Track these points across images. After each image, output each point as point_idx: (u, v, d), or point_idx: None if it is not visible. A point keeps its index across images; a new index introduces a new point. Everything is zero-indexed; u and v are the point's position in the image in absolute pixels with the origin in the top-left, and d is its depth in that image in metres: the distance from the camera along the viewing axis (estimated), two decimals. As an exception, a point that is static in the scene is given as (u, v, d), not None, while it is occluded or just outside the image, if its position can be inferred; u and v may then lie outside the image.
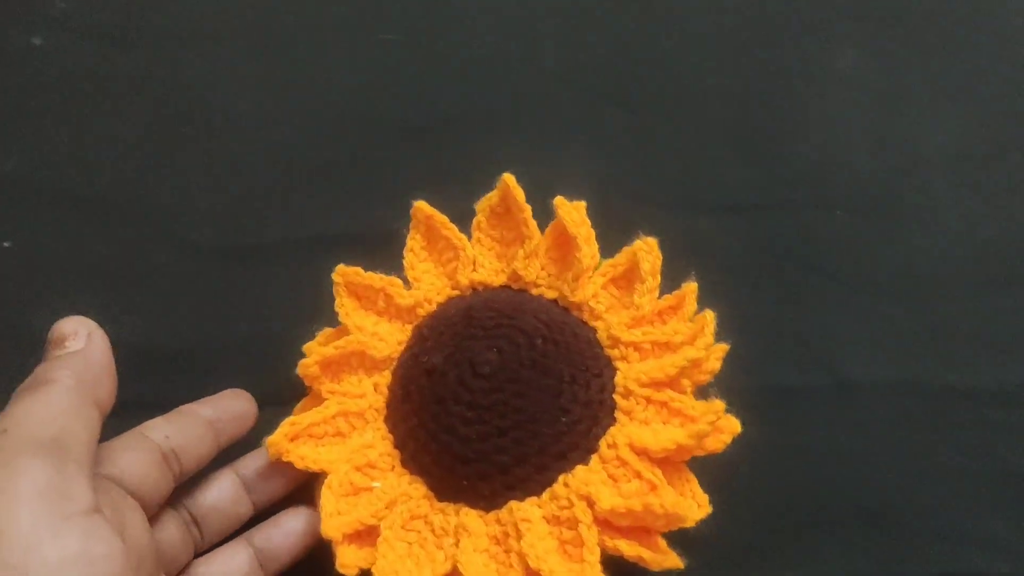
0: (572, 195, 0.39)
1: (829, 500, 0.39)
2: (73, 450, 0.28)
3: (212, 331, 0.42)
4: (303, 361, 0.36)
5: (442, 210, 0.40)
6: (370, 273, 0.39)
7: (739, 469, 0.37)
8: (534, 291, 0.38)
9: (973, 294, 0.43)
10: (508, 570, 0.33)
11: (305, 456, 0.35)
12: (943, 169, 0.45)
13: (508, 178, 0.38)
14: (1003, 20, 0.48)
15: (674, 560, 0.32)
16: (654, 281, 0.37)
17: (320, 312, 0.39)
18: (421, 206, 0.39)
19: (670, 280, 0.38)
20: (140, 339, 0.42)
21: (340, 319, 0.38)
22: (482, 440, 0.34)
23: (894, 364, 0.42)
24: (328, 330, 0.39)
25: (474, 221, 0.40)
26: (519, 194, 0.38)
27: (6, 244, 0.44)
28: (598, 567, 0.32)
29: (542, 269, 0.38)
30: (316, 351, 0.37)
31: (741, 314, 0.38)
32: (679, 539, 0.33)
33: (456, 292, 0.39)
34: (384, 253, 0.40)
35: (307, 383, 0.37)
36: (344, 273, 0.38)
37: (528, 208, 0.38)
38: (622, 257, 0.38)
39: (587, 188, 0.40)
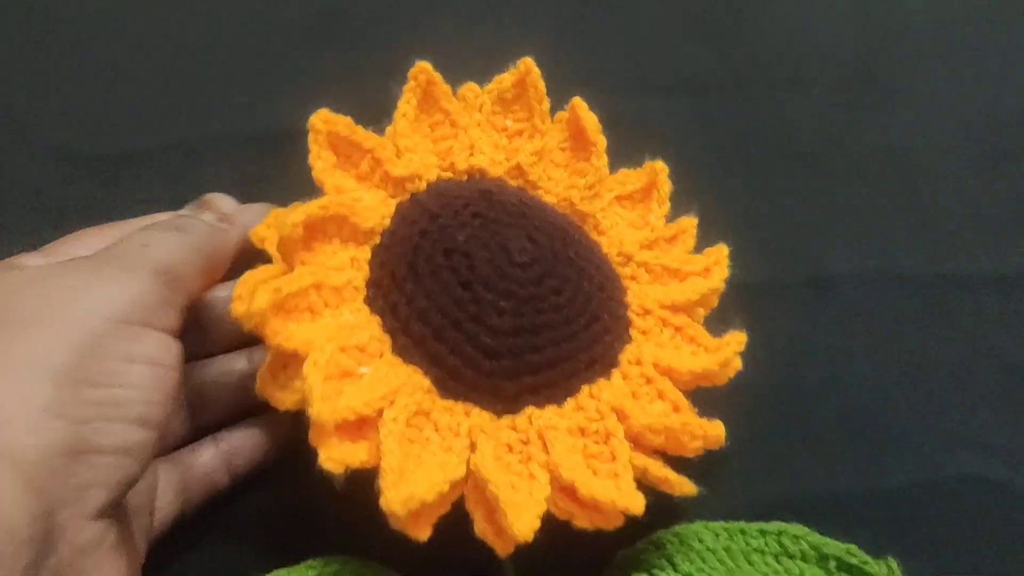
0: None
1: (808, 405, 0.35)
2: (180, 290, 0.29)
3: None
4: (289, 220, 0.29)
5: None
6: (360, 128, 0.32)
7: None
8: (532, 191, 0.35)
9: (965, 173, 0.38)
10: (529, 482, 0.28)
11: (279, 331, 0.28)
12: (929, 34, 0.40)
13: (529, 62, 0.34)
14: None
15: (692, 486, 0.30)
16: (667, 205, 0.35)
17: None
18: (424, 68, 0.34)
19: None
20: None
21: (315, 174, 0.31)
22: (514, 334, 0.29)
23: (877, 254, 0.37)
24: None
25: (476, 102, 0.35)
26: (540, 82, 0.34)
27: None
28: (633, 483, 0.29)
29: (544, 170, 0.35)
30: (301, 210, 0.29)
31: (704, 205, 0.35)
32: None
33: (448, 175, 0.34)
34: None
35: (284, 253, 0.30)
36: (328, 120, 0.31)
37: (547, 100, 0.35)
38: (635, 175, 0.36)
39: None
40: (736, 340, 0.32)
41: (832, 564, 0.33)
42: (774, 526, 0.33)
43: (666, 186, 0.35)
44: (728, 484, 0.35)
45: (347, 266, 0.31)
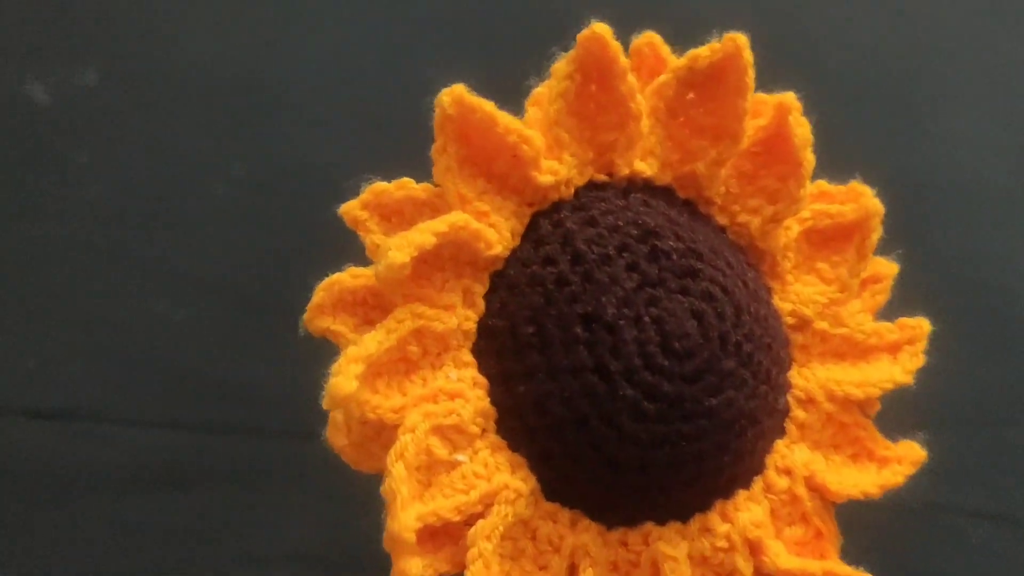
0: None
1: None
2: None
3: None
4: (396, 260, 0.22)
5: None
6: (503, 114, 0.24)
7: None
8: (703, 208, 0.27)
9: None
10: (632, 614, 0.24)
11: (368, 401, 0.22)
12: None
13: (739, 40, 0.25)
14: None
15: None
16: (869, 261, 0.27)
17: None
18: (600, 33, 0.24)
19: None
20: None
21: (436, 172, 0.24)
22: (653, 446, 0.23)
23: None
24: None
25: (656, 83, 0.26)
26: (748, 68, 0.25)
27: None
28: (751, 637, 0.24)
29: (725, 184, 0.27)
30: (410, 242, 0.22)
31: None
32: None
33: (602, 178, 0.26)
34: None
35: (389, 288, 0.23)
36: (462, 102, 0.23)
37: (751, 91, 0.26)
38: (838, 204, 0.27)
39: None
40: (913, 454, 0.26)
41: None
42: None
43: (875, 233, 0.27)
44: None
45: (459, 304, 0.24)
